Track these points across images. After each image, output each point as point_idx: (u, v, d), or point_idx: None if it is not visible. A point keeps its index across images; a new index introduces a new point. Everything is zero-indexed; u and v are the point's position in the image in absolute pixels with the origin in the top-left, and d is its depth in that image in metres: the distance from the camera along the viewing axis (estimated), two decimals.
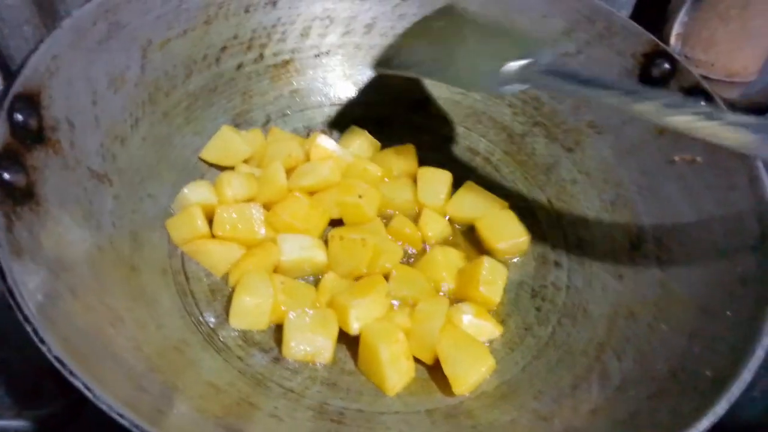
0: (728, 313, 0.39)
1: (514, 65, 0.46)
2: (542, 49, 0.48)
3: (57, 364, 0.28)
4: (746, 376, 0.33)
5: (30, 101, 0.40)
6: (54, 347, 0.29)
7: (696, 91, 0.51)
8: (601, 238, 0.53)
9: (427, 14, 0.57)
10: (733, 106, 0.50)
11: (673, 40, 0.56)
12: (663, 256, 0.48)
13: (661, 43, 0.55)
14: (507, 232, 0.54)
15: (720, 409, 0.32)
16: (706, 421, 0.32)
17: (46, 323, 0.30)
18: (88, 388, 0.28)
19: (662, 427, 0.32)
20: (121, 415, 0.27)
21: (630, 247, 0.51)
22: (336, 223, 0.55)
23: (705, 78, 0.51)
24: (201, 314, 0.46)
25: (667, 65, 0.53)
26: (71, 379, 0.28)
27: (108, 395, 0.28)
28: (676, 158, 0.51)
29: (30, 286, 0.32)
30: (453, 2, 0.56)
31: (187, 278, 0.48)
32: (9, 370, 0.47)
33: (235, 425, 0.36)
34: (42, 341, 0.29)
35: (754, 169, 0.45)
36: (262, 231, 0.51)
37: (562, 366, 0.45)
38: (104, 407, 0.28)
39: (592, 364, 0.44)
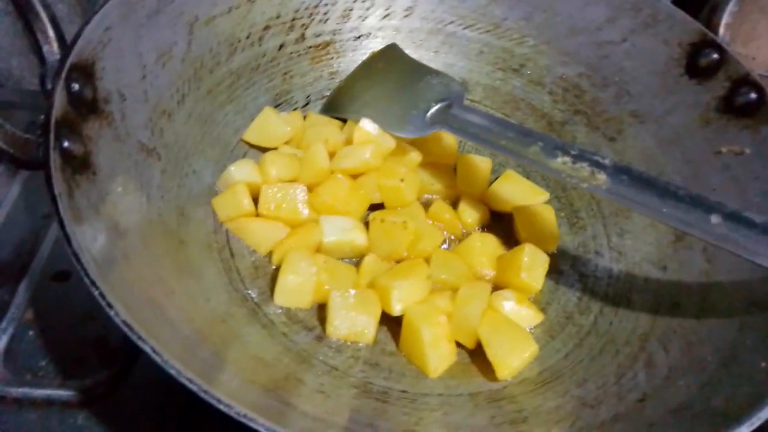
0: None
1: (434, 108, 0.55)
2: (457, 92, 0.56)
3: (125, 329, 0.29)
4: None
5: (85, 72, 0.41)
6: (122, 312, 0.29)
7: (745, 83, 0.51)
8: (642, 229, 0.53)
9: (374, 51, 0.62)
10: None
11: (722, 30, 0.55)
12: (708, 247, 0.47)
13: (709, 33, 0.54)
14: (538, 228, 0.54)
15: None
16: (767, 412, 0.31)
17: (108, 288, 0.31)
18: (156, 353, 0.28)
19: (718, 415, 0.32)
20: (190, 380, 0.28)
21: (674, 237, 0.50)
22: (375, 208, 0.55)
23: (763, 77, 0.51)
24: (246, 290, 0.46)
25: (715, 55, 0.53)
26: (139, 343, 0.28)
27: (175, 360, 0.28)
28: (723, 149, 0.50)
29: (92, 252, 0.32)
30: (394, 43, 0.63)
31: (231, 254, 0.48)
32: (53, 341, 0.48)
33: (284, 397, 0.36)
34: (110, 306, 0.29)
35: None
36: (306, 212, 0.51)
37: (605, 355, 0.45)
38: (172, 372, 0.28)
39: (637, 354, 0.44)
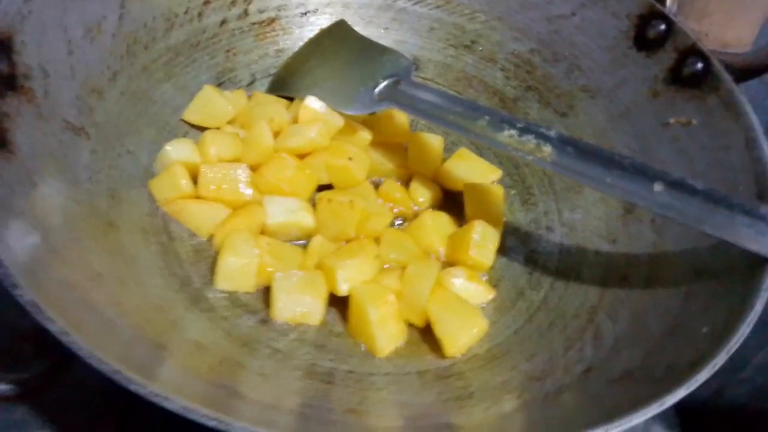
0: (724, 271, 0.39)
1: (382, 85, 0.54)
2: (405, 68, 0.55)
3: (31, 309, 0.27)
4: (744, 330, 0.33)
5: (1, 45, 0.38)
6: (28, 292, 0.27)
7: (693, 53, 0.50)
8: (593, 203, 0.52)
9: (323, 28, 0.60)
10: (728, 67, 0.49)
11: (669, 1, 0.55)
12: (657, 219, 0.47)
13: (656, 4, 0.54)
14: (485, 207, 0.53)
15: (719, 360, 0.32)
16: (706, 373, 0.31)
17: (20, 270, 0.29)
18: (65, 333, 0.26)
19: (659, 382, 0.32)
20: (98, 360, 0.26)
21: (623, 211, 0.50)
22: (325, 189, 0.53)
23: (714, 51, 0.50)
24: (185, 275, 0.44)
25: (662, 26, 0.52)
26: (46, 323, 0.26)
27: (84, 341, 0.26)
28: (671, 121, 0.50)
29: (2, 233, 0.30)
30: (343, 20, 0.61)
31: (170, 238, 0.46)
32: None
33: (221, 381, 0.35)
34: (15, 285, 0.27)
35: (750, 130, 0.45)
36: (248, 192, 0.49)
37: (554, 329, 0.45)
38: (81, 353, 0.26)
39: (585, 326, 0.43)
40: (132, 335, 0.34)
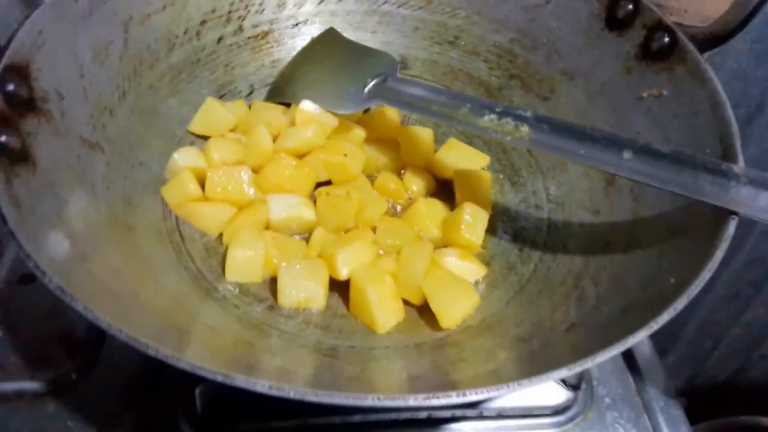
0: (693, 228, 0.41)
1: (370, 84, 0.58)
2: (391, 66, 0.59)
3: (57, 293, 0.31)
4: (705, 275, 0.36)
5: (19, 73, 0.43)
6: (54, 278, 0.31)
7: (659, 28, 0.53)
8: (577, 178, 0.55)
9: (314, 36, 0.64)
10: (693, 38, 0.52)
11: None
12: (635, 188, 0.50)
13: None
14: (473, 192, 0.56)
15: (679, 304, 0.34)
16: (666, 315, 0.34)
17: (45, 261, 0.33)
18: (88, 309, 0.30)
19: (631, 330, 0.34)
20: (120, 330, 0.30)
21: (605, 183, 0.52)
22: (324, 185, 0.56)
23: (679, 25, 0.53)
24: (198, 270, 0.48)
25: (630, 6, 0.55)
26: (72, 303, 0.30)
27: (106, 316, 0.30)
28: (644, 94, 0.53)
29: (29, 233, 0.34)
30: (332, 27, 0.65)
31: (182, 238, 0.50)
32: (23, 337, 0.50)
33: (236, 357, 0.38)
34: (43, 273, 0.31)
35: (715, 94, 0.47)
36: (251, 191, 0.53)
37: (542, 297, 0.47)
38: (103, 325, 0.30)
39: (570, 292, 0.46)
40: (150, 320, 0.38)
